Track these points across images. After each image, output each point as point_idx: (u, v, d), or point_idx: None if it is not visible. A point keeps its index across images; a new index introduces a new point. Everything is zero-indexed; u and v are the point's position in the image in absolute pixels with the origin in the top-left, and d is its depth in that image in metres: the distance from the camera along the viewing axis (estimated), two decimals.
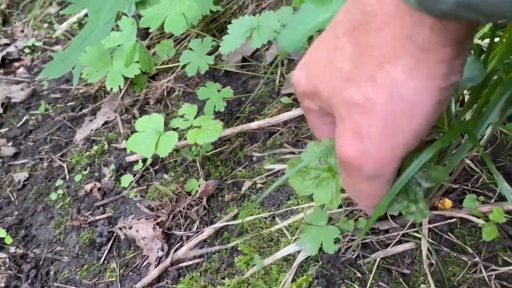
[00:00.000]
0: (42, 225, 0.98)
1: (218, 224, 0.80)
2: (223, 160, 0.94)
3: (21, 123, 1.29)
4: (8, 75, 1.52)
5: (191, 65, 0.95)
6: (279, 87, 1.03)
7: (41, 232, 0.97)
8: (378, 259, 0.65)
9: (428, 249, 0.64)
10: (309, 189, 0.66)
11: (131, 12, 1.12)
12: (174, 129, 0.90)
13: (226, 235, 0.79)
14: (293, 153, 0.88)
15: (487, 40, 0.68)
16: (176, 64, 1.19)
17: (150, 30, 0.98)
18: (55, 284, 0.86)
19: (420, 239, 0.65)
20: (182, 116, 0.92)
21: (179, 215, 0.85)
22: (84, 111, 1.26)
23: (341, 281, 0.66)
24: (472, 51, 0.64)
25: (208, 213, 0.85)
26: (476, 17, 0.27)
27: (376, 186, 0.41)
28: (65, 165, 1.09)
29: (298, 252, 0.70)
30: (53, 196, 1.01)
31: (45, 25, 1.76)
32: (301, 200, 0.78)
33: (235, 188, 0.87)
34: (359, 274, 0.65)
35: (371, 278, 0.64)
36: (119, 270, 0.83)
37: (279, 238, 0.74)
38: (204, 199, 0.85)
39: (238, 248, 0.75)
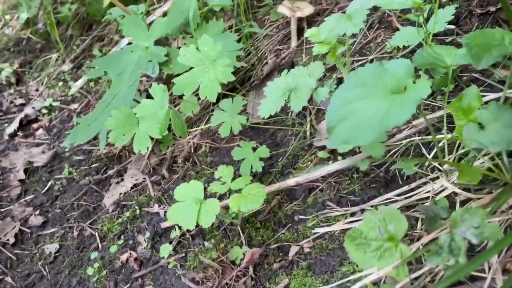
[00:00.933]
0: None
1: None
2: (262, 221, 0.91)
3: (46, 188, 1.27)
4: (27, 138, 1.52)
5: (224, 126, 0.93)
6: (311, 139, 1.01)
7: None
8: None
9: None
10: (372, 262, 0.63)
11: (155, 74, 1.12)
12: (212, 194, 0.87)
13: None
14: (338, 212, 0.85)
15: None
16: (202, 118, 1.18)
17: (184, 96, 0.97)
18: None
19: None
20: (219, 179, 0.90)
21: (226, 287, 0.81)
22: (109, 172, 1.23)
23: None
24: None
25: (256, 284, 0.81)
26: None
27: None
28: (96, 234, 1.06)
29: None
30: (89, 271, 0.97)
31: (60, 83, 1.77)
32: (356, 266, 0.74)
33: (281, 254, 0.84)
34: None
35: None
36: None
37: None
38: (251, 268, 0.82)
39: None
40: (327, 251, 0.80)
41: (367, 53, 1.09)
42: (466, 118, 0.65)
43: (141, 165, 1.19)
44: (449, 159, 0.74)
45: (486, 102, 0.74)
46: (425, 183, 0.78)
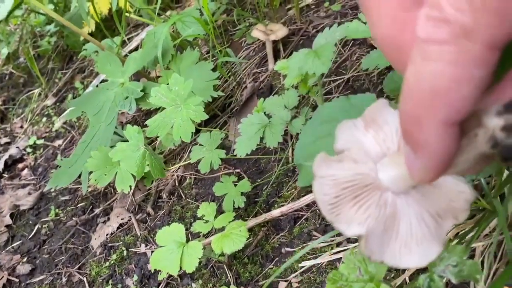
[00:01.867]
0: None
1: None
2: (250, 256, 0.90)
3: (33, 233, 1.25)
4: (13, 179, 1.50)
5: (204, 161, 0.92)
6: (293, 164, 1.00)
7: None
8: None
9: None
10: None
11: (132, 110, 1.10)
12: (194, 234, 0.86)
13: None
14: (324, 243, 0.83)
15: None
16: (186, 148, 1.17)
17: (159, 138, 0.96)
18: None
19: None
20: (201, 218, 0.88)
21: None
22: (95, 211, 1.22)
23: None
24: None
25: None
26: None
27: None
28: (85, 279, 1.04)
29: None
30: None
31: (44, 119, 1.76)
32: None
33: None
34: None
35: None
36: None
37: None
38: None
39: None
40: (315, 285, 0.78)
41: (343, 72, 1.08)
42: None
43: (126, 202, 1.17)
44: None
45: None
46: None
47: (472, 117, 0.22)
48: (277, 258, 0.86)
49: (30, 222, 1.30)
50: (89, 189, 1.28)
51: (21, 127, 1.84)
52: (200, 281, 0.89)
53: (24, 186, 1.46)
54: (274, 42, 1.24)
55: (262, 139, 0.84)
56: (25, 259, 1.18)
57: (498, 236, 0.66)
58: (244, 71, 1.27)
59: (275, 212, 0.92)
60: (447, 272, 0.52)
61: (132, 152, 0.87)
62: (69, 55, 1.99)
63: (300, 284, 0.79)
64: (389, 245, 0.29)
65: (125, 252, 1.04)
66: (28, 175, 1.50)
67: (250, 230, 0.93)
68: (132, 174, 0.98)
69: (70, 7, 1.63)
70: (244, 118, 0.81)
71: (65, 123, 1.65)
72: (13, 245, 1.24)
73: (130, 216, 1.12)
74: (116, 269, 1.02)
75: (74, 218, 1.23)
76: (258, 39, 1.30)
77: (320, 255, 0.81)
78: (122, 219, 1.13)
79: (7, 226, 1.31)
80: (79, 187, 1.32)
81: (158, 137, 1.18)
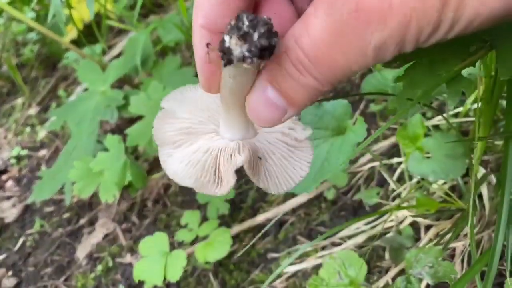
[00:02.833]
0: None
1: None
2: (236, 263, 0.89)
3: (18, 246, 1.24)
4: None
5: None
6: None
7: None
8: None
9: None
10: None
11: (113, 119, 1.10)
12: (179, 243, 0.85)
13: None
14: (309, 247, 0.83)
15: None
16: None
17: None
18: None
19: None
20: (185, 226, 0.88)
21: None
22: (81, 222, 1.21)
23: None
24: None
25: None
26: None
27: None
28: None
29: None
30: None
31: (28, 128, 1.74)
32: None
33: None
34: None
35: None
36: None
37: None
38: None
39: None
40: None
41: None
42: (414, 145, 0.64)
43: (111, 212, 1.16)
44: (405, 188, 0.73)
45: (437, 126, 0.73)
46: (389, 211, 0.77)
47: None
48: (262, 264, 0.86)
49: (15, 234, 1.28)
50: (74, 200, 1.27)
51: (5, 137, 1.81)
52: None
53: (8, 198, 1.44)
54: None
55: None
56: (10, 273, 1.16)
57: (477, 235, 0.66)
58: None
59: (260, 218, 0.92)
60: (424, 273, 0.53)
61: (113, 162, 0.86)
62: (52, 63, 1.97)
63: None
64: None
65: (110, 263, 1.03)
66: (12, 186, 1.48)
67: (236, 236, 0.93)
68: (116, 184, 0.97)
69: None
70: None
71: (49, 132, 1.63)
72: None
73: (115, 226, 1.11)
74: (102, 280, 1.01)
75: (59, 229, 1.21)
76: None
77: (305, 260, 0.81)
78: (107, 229, 1.12)
79: None
80: (64, 198, 1.30)
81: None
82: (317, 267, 0.79)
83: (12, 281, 1.13)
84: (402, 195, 0.74)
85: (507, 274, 0.49)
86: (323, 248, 0.82)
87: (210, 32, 0.31)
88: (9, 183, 1.50)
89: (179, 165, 0.34)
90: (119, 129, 1.34)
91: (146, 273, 0.78)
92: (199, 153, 0.34)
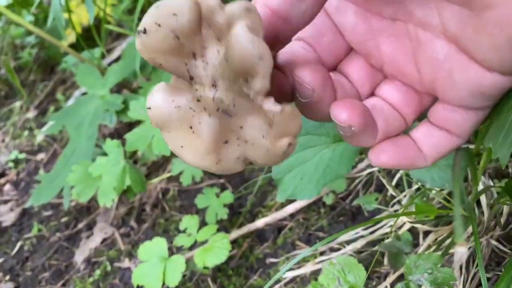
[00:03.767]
0: None
1: None
2: (234, 268, 0.89)
3: (15, 250, 1.23)
4: None
5: (185, 174, 0.91)
6: None
7: None
8: None
9: None
10: None
11: (112, 123, 1.10)
12: (178, 248, 0.85)
13: None
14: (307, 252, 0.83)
15: None
16: (170, 159, 1.16)
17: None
18: None
19: None
20: (184, 231, 0.88)
21: None
22: (79, 226, 1.20)
23: None
24: None
25: None
26: None
27: None
28: None
29: None
30: None
31: (26, 132, 1.74)
32: None
33: None
34: None
35: None
36: None
37: None
38: None
39: None
40: None
41: None
42: None
43: (110, 216, 1.16)
44: (405, 196, 0.74)
45: None
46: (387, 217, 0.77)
47: None
48: (261, 269, 0.86)
49: (13, 238, 1.28)
50: (73, 204, 1.27)
51: (3, 141, 1.81)
52: None
53: (6, 202, 1.43)
54: None
55: None
56: (7, 277, 1.16)
57: (474, 242, 0.66)
58: None
59: (259, 223, 0.92)
60: (423, 279, 0.53)
61: (112, 167, 0.86)
62: (50, 66, 1.97)
63: None
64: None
65: (109, 267, 1.03)
66: (10, 190, 1.48)
67: (234, 241, 0.93)
68: (115, 188, 0.97)
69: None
70: None
71: (47, 136, 1.63)
72: None
73: (113, 230, 1.11)
74: (100, 285, 1.01)
75: (57, 234, 1.21)
76: None
77: (304, 265, 0.81)
78: (105, 233, 1.12)
79: None
80: (62, 202, 1.30)
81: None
82: (316, 273, 0.79)
83: (10, 285, 1.12)
84: (402, 202, 0.75)
85: None
86: (322, 253, 0.82)
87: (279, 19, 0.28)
88: (7, 187, 1.50)
89: None
90: (118, 134, 1.34)
91: (144, 278, 0.78)
92: None
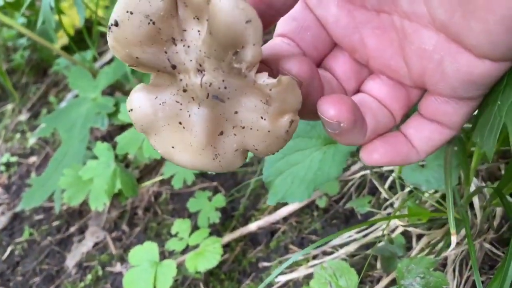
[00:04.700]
0: None
1: None
2: (227, 272, 0.88)
3: (6, 255, 1.21)
4: None
5: (177, 177, 0.90)
6: None
7: None
8: None
9: None
10: None
11: (104, 126, 1.09)
12: (170, 252, 0.84)
13: None
14: (300, 256, 0.82)
15: None
16: (162, 162, 1.15)
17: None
18: None
19: None
20: (176, 235, 0.87)
21: None
22: (71, 230, 1.19)
23: None
24: None
25: None
26: None
27: None
28: None
29: None
30: None
31: (18, 135, 1.72)
32: None
33: None
34: None
35: None
36: None
37: None
38: None
39: None
40: None
41: None
42: None
43: (101, 220, 1.14)
44: (397, 198, 0.73)
45: None
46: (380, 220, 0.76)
47: None
48: (254, 273, 0.85)
49: (4, 243, 1.26)
50: (64, 207, 1.25)
51: None
52: None
53: None
54: None
55: None
56: None
57: (467, 244, 0.66)
58: None
59: (252, 226, 0.91)
60: (415, 284, 0.52)
61: (102, 170, 0.85)
62: (43, 69, 1.96)
63: None
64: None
65: (100, 272, 1.02)
66: (1, 194, 1.46)
67: (227, 245, 0.92)
68: (105, 192, 0.96)
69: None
70: None
71: (39, 139, 1.61)
72: None
73: (105, 234, 1.10)
74: None
75: (48, 238, 1.19)
76: None
77: (296, 269, 0.80)
78: (97, 237, 1.10)
79: None
80: (54, 205, 1.28)
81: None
82: (309, 277, 0.79)
83: None
84: (394, 205, 0.74)
85: None
86: (315, 257, 0.81)
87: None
88: None
89: None
90: (110, 136, 1.33)
91: (135, 283, 0.76)
92: None
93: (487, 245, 0.66)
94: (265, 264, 0.85)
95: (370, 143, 0.33)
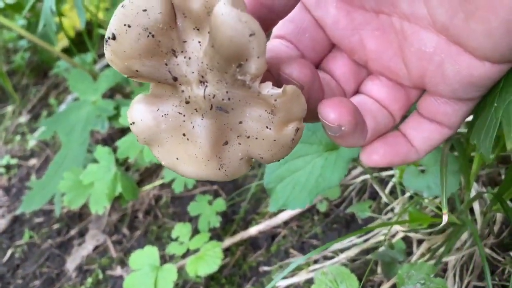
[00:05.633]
0: None
1: None
2: (227, 276, 0.88)
3: (6, 258, 1.21)
4: None
5: (178, 181, 0.90)
6: None
7: None
8: None
9: None
10: None
11: (104, 129, 1.09)
12: (170, 256, 0.84)
13: None
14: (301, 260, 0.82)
15: None
16: (161, 167, 1.15)
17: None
18: None
19: None
20: (176, 239, 0.87)
21: None
22: (71, 232, 1.19)
23: None
24: None
25: None
26: None
27: None
28: None
29: None
30: None
31: (18, 137, 1.72)
32: None
33: None
34: None
35: None
36: None
37: None
38: None
39: None
40: None
41: None
42: None
43: (102, 223, 1.14)
44: (398, 203, 0.73)
45: None
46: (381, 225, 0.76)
47: None
48: (254, 278, 0.85)
49: (4, 246, 1.26)
50: (64, 210, 1.25)
51: None
52: None
53: None
54: None
55: None
56: None
57: (469, 249, 0.66)
58: None
59: (253, 231, 0.91)
60: None
61: (103, 174, 0.85)
62: (43, 70, 1.96)
63: None
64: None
65: (100, 275, 1.02)
66: (1, 196, 1.46)
67: (227, 249, 0.92)
68: (106, 195, 0.96)
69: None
70: None
71: (39, 141, 1.61)
72: None
73: (105, 238, 1.10)
74: None
75: (49, 241, 1.19)
76: None
77: (297, 274, 0.80)
78: (97, 240, 1.10)
79: None
80: (54, 208, 1.28)
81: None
82: (310, 281, 0.79)
83: None
84: (395, 210, 0.74)
85: None
86: (316, 261, 0.81)
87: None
88: None
89: None
90: (111, 139, 1.33)
91: (136, 287, 0.76)
92: None
93: (487, 250, 0.66)
94: (266, 268, 0.85)
95: (370, 144, 0.33)
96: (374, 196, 0.84)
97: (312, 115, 0.29)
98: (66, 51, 1.56)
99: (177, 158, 0.27)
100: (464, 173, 0.58)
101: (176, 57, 0.25)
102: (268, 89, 0.25)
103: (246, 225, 0.95)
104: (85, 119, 1.10)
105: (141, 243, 1.03)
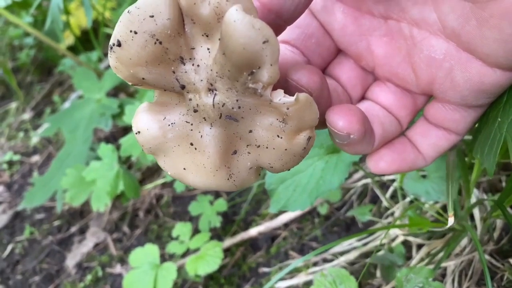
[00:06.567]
0: None
1: None
2: (226, 277, 0.89)
3: (6, 253, 1.22)
4: None
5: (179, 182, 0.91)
6: None
7: None
8: None
9: None
10: None
11: (108, 127, 1.09)
12: (170, 255, 0.85)
13: None
14: (300, 262, 0.83)
15: None
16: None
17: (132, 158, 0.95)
18: None
19: None
20: (177, 238, 0.87)
21: None
22: (71, 230, 1.19)
23: None
24: None
25: None
26: None
27: None
28: None
29: None
30: None
31: (21, 133, 1.73)
32: None
33: None
34: None
35: None
36: None
37: None
38: None
39: None
40: None
41: None
42: None
43: (102, 221, 1.15)
44: (398, 208, 0.73)
45: None
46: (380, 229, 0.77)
47: None
48: (253, 278, 0.85)
49: (4, 241, 1.27)
50: (66, 207, 1.26)
51: None
52: None
53: None
54: None
55: None
56: None
57: (468, 254, 0.66)
58: None
59: (253, 232, 0.92)
60: None
61: (106, 171, 0.86)
62: (48, 68, 1.97)
63: None
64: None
65: (100, 273, 1.02)
66: (3, 192, 1.47)
67: (227, 249, 0.92)
68: (108, 193, 0.97)
69: None
70: None
71: (42, 138, 1.62)
72: None
73: (106, 235, 1.10)
74: None
75: (49, 237, 1.20)
76: None
77: (296, 275, 0.80)
78: (98, 238, 1.11)
79: None
80: (55, 205, 1.29)
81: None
82: (308, 283, 0.79)
83: None
84: (395, 214, 0.74)
85: None
86: (315, 264, 0.81)
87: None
88: (0, 189, 1.49)
89: None
90: (114, 137, 1.34)
91: (136, 285, 0.77)
92: None
93: (486, 257, 0.66)
94: (265, 269, 0.85)
95: (377, 151, 0.33)
96: (375, 200, 0.84)
97: (319, 122, 0.30)
98: (71, 49, 1.57)
99: (184, 168, 0.26)
100: (464, 180, 0.59)
101: (184, 64, 0.24)
102: (280, 97, 0.24)
103: (247, 226, 0.96)
104: (89, 117, 1.10)
105: (141, 241, 1.04)
